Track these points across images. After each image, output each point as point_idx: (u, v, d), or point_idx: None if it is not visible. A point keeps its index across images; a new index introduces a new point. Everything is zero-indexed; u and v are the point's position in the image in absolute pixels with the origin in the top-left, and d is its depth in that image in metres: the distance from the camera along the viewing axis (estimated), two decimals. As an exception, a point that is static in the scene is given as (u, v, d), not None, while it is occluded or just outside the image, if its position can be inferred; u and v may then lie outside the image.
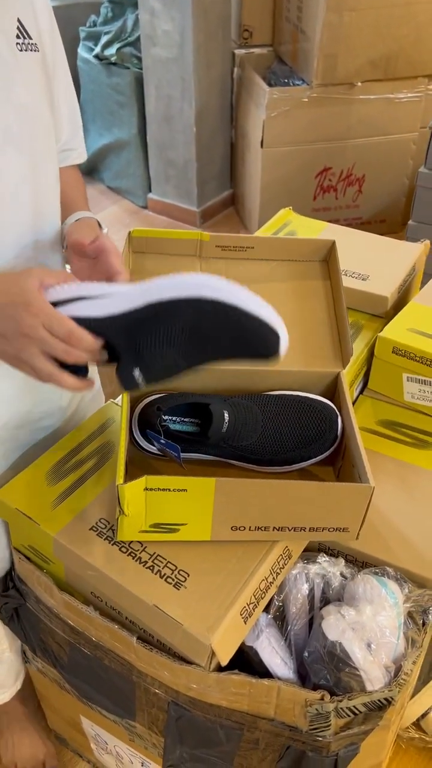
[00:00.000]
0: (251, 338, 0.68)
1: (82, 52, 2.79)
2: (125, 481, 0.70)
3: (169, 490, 0.72)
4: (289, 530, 0.76)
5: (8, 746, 1.17)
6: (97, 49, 2.69)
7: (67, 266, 0.85)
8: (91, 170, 3.07)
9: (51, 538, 0.78)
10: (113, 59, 2.64)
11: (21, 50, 0.74)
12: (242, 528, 0.76)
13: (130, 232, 0.90)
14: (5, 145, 0.73)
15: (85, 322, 0.66)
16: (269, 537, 0.77)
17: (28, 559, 0.84)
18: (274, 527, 0.76)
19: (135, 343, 0.67)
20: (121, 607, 0.76)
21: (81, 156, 0.95)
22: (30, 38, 0.76)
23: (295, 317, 0.88)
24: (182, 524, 0.76)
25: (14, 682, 1.09)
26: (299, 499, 0.74)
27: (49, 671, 0.95)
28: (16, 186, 0.76)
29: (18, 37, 0.74)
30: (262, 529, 0.76)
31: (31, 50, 0.75)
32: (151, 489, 0.72)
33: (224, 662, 0.72)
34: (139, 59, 2.56)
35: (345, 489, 0.74)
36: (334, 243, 0.92)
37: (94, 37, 2.74)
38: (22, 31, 0.75)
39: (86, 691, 0.90)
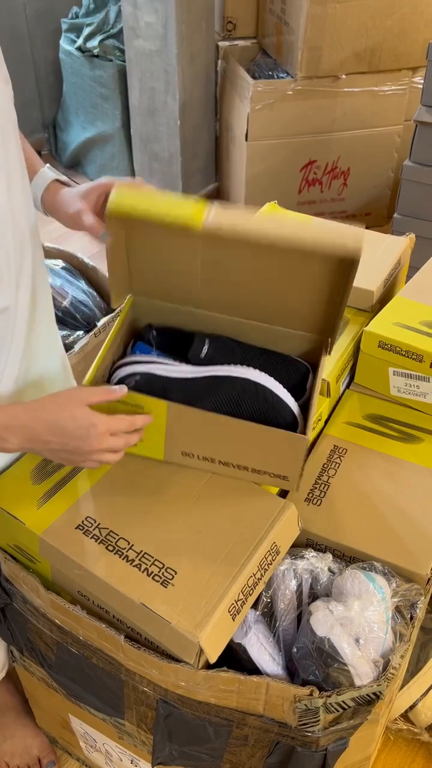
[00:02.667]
0: (274, 415, 0.80)
1: (64, 44, 2.75)
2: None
3: (127, 404, 0.78)
4: (233, 467, 0.83)
5: None
6: (80, 42, 2.66)
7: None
8: (74, 164, 3.04)
9: (37, 537, 0.77)
10: (96, 51, 2.61)
11: None
12: (191, 455, 0.83)
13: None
14: None
15: (159, 380, 0.82)
16: (215, 469, 0.84)
17: (14, 558, 0.83)
18: (220, 461, 0.83)
19: (189, 403, 0.80)
20: (108, 606, 0.76)
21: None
22: None
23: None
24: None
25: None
26: (241, 438, 0.80)
27: (36, 671, 0.95)
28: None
29: None
30: (209, 460, 0.83)
31: None
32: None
33: (213, 659, 0.72)
34: (122, 51, 2.53)
35: (281, 435, 0.78)
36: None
37: (77, 29, 2.71)
38: None
39: (74, 690, 0.89)
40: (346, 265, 0.79)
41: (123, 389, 0.78)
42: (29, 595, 0.83)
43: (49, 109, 3.08)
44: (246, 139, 2.31)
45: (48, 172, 0.85)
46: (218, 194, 2.85)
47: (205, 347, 0.86)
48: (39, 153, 3.26)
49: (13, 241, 0.75)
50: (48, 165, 0.85)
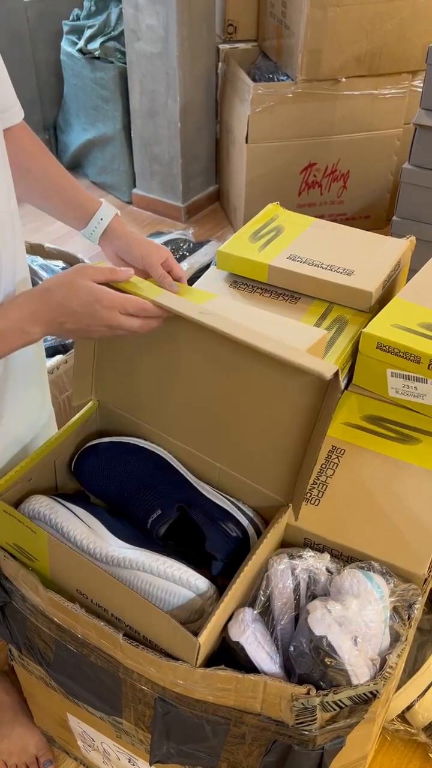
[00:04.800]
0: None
1: (65, 46, 2.76)
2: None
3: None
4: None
5: None
6: (81, 44, 2.67)
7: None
8: (75, 165, 3.05)
9: (45, 535, 0.77)
10: (97, 53, 2.62)
11: None
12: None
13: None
14: None
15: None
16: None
17: (13, 557, 0.84)
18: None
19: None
20: (107, 604, 0.76)
21: (21, 111, 0.89)
22: None
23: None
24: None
25: None
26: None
27: (35, 669, 0.95)
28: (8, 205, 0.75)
29: None
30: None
31: None
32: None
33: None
34: (123, 54, 2.54)
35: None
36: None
37: (78, 31, 2.72)
38: None
39: (72, 689, 0.90)
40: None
41: (129, 272, 0.78)
42: (28, 594, 0.83)
43: (50, 110, 3.09)
44: (246, 142, 2.32)
45: (111, 209, 0.94)
46: (218, 196, 2.86)
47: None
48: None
49: None
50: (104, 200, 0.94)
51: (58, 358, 1.35)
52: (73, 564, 0.78)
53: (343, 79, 2.27)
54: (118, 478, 0.89)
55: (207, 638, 0.71)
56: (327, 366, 0.71)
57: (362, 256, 1.10)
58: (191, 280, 2.21)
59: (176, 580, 0.76)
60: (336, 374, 0.70)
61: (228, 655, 0.77)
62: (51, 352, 1.40)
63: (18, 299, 0.76)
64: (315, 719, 0.73)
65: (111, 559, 0.79)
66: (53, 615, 0.81)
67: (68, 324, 0.75)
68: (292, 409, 0.77)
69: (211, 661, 0.74)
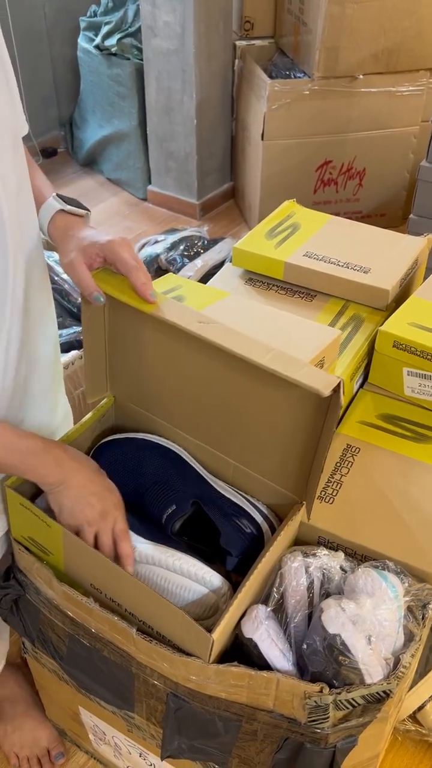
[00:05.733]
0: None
1: (82, 42, 2.77)
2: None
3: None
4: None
5: (7, 732, 1.17)
6: (98, 40, 2.67)
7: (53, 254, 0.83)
8: (90, 162, 3.05)
9: (60, 529, 0.77)
10: (114, 50, 2.62)
11: None
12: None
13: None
14: None
15: None
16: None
17: (27, 550, 0.84)
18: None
19: None
20: (121, 599, 0.76)
21: (25, 126, 0.80)
22: None
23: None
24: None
25: None
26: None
27: (48, 662, 0.96)
28: (8, 212, 0.70)
29: None
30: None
31: None
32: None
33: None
34: (140, 50, 2.54)
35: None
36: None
37: (95, 28, 2.72)
38: None
39: (85, 683, 0.90)
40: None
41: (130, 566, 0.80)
42: (42, 587, 0.84)
43: (67, 107, 3.10)
44: (262, 139, 2.31)
45: (53, 203, 0.81)
46: (233, 193, 2.86)
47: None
48: (55, 151, 3.27)
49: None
50: (54, 194, 0.82)
51: (74, 353, 1.36)
52: (87, 558, 0.78)
53: (361, 76, 2.26)
54: (134, 474, 0.89)
55: (220, 634, 0.71)
56: (326, 380, 0.68)
57: (379, 254, 1.10)
58: (206, 278, 2.21)
59: (190, 575, 0.76)
60: (336, 388, 0.68)
61: (241, 651, 0.77)
62: (66, 348, 1.41)
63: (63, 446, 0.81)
64: (327, 717, 0.73)
65: None
66: (67, 609, 0.82)
67: (85, 490, 0.79)
68: (294, 417, 0.76)
69: (224, 657, 0.74)
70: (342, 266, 1.07)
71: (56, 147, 3.18)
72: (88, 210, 0.84)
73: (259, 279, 1.13)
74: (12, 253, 0.73)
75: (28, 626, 0.91)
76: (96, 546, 0.79)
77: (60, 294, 1.64)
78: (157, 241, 2.39)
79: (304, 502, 0.83)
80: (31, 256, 0.80)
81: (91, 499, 0.78)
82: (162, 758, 0.86)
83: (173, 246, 2.32)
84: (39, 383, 0.89)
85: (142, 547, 0.80)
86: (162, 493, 0.87)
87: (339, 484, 0.89)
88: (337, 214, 1.24)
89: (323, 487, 0.89)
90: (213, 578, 0.76)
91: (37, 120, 2.98)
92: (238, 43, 2.53)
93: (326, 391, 0.67)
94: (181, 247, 2.31)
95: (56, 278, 1.63)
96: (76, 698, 0.98)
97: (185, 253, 2.28)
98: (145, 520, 0.87)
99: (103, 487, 0.81)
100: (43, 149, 3.10)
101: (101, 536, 0.79)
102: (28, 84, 2.76)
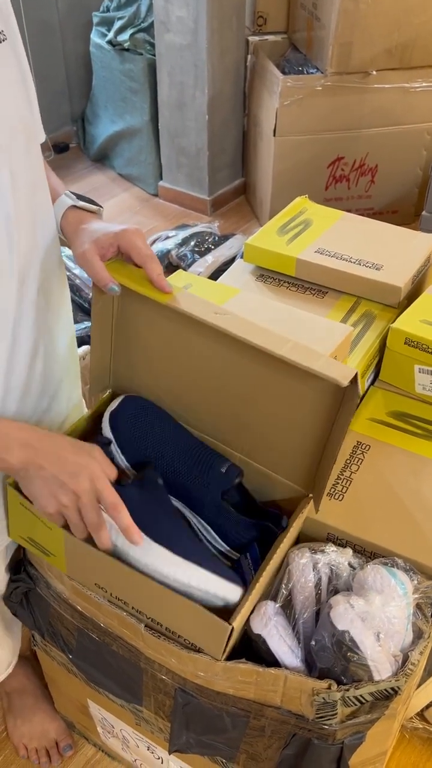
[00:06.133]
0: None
1: (94, 37, 2.77)
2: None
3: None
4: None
5: (16, 724, 1.18)
6: (110, 35, 2.67)
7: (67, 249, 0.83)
8: (102, 157, 3.06)
9: (61, 532, 0.76)
10: (126, 45, 2.62)
11: None
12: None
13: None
14: (1, 166, 0.66)
15: None
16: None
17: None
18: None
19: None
20: (128, 598, 0.76)
21: (42, 134, 0.79)
22: None
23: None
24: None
25: (5, 669, 1.09)
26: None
27: (57, 655, 0.96)
28: (16, 209, 0.69)
29: None
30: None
31: (1, 41, 0.63)
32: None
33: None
34: (153, 45, 2.54)
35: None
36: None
37: (107, 23, 2.72)
38: None
39: (94, 676, 0.91)
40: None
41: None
42: (52, 581, 0.84)
43: (79, 102, 3.10)
44: (274, 135, 2.31)
45: (65, 200, 0.81)
46: (244, 189, 2.85)
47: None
48: (67, 146, 3.27)
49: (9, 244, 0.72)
50: (67, 191, 0.82)
51: (85, 348, 1.36)
52: (90, 559, 0.76)
53: (374, 72, 2.24)
54: (162, 431, 0.85)
55: (239, 624, 0.71)
56: (344, 371, 0.68)
57: (391, 251, 1.09)
58: (216, 274, 2.20)
59: (207, 593, 0.72)
60: (354, 379, 0.68)
61: (249, 647, 0.77)
62: (77, 343, 1.41)
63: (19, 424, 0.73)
64: (335, 714, 0.73)
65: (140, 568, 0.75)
66: (76, 603, 0.82)
67: (45, 472, 0.69)
68: (310, 409, 0.76)
69: (232, 653, 0.75)
70: (354, 263, 1.07)
71: (68, 142, 3.19)
72: (100, 206, 0.84)
73: (270, 275, 1.13)
74: (20, 252, 0.73)
75: (38, 619, 0.91)
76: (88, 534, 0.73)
77: (72, 289, 1.64)
78: (168, 237, 2.39)
79: (311, 496, 0.83)
80: (48, 253, 0.80)
81: (63, 477, 0.69)
82: (170, 752, 0.87)
83: (184, 242, 2.32)
84: (55, 376, 0.89)
85: (157, 561, 0.74)
86: (204, 453, 0.83)
87: (349, 481, 0.89)
88: (348, 211, 1.24)
89: (333, 484, 0.89)
90: (229, 594, 0.73)
91: (49, 115, 2.99)
92: (250, 38, 2.52)
93: (345, 381, 0.68)
94: (192, 243, 2.31)
95: (68, 273, 1.64)
96: (85, 691, 0.99)
97: (196, 249, 2.28)
98: (164, 488, 0.81)
99: (78, 464, 0.70)
100: (54, 144, 3.10)
101: (85, 515, 0.70)
102: (40, 79, 2.76)
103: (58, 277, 0.85)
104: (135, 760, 1.08)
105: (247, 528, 0.84)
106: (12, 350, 0.78)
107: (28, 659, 1.22)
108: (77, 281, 1.64)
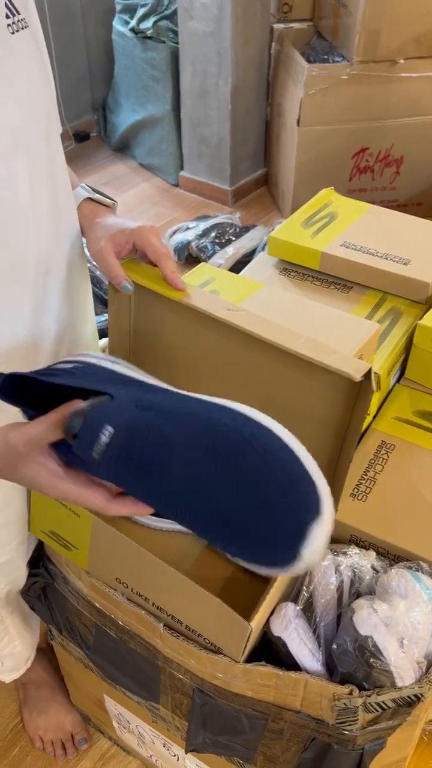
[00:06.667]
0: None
1: (117, 25, 2.74)
2: None
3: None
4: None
5: (32, 716, 1.18)
6: (133, 23, 2.65)
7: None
8: (123, 147, 3.04)
9: (90, 518, 0.76)
10: (149, 33, 2.59)
11: (13, 32, 0.60)
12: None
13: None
14: (17, 149, 0.63)
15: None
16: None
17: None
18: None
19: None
20: (149, 593, 0.75)
21: (59, 126, 0.76)
22: (18, 13, 0.61)
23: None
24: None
25: (24, 664, 1.09)
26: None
27: (74, 650, 0.96)
28: (33, 196, 0.67)
29: (7, 16, 0.60)
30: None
31: (22, 28, 0.62)
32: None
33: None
34: (176, 33, 2.51)
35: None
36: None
37: (130, 10, 2.69)
38: (11, 7, 0.60)
39: (111, 673, 0.90)
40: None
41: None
42: (71, 577, 0.83)
43: (100, 90, 3.08)
44: (298, 125, 2.27)
45: (81, 191, 0.80)
46: (266, 180, 2.82)
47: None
48: (88, 135, 3.25)
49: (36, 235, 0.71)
50: (82, 184, 0.82)
51: (105, 340, 1.35)
52: (115, 549, 0.76)
53: (401, 61, 2.20)
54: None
55: (258, 624, 0.70)
56: (357, 365, 0.67)
57: (419, 245, 1.07)
58: (237, 266, 2.18)
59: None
60: (367, 374, 0.67)
61: (268, 649, 0.76)
62: (99, 335, 1.40)
63: None
64: (356, 720, 0.72)
65: None
66: (94, 600, 0.81)
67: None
68: (325, 406, 0.75)
69: (251, 656, 0.73)
70: (381, 257, 1.04)
71: (89, 131, 3.17)
72: (115, 201, 0.83)
73: (294, 269, 1.10)
74: (43, 242, 0.72)
75: (56, 615, 0.91)
76: None
77: (92, 281, 1.63)
78: (188, 228, 2.37)
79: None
80: (72, 245, 0.79)
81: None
82: (186, 751, 0.86)
83: (204, 233, 2.30)
84: None
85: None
86: None
87: (373, 482, 0.87)
88: (372, 203, 1.21)
89: (356, 485, 0.87)
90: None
91: (70, 104, 2.97)
92: (275, 26, 2.48)
93: (358, 376, 0.67)
94: (213, 234, 2.28)
95: (88, 265, 1.62)
96: (101, 686, 0.98)
97: (216, 241, 2.26)
98: None
99: (29, 479, 0.58)
100: (75, 133, 3.09)
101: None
102: (62, 67, 2.74)
103: (81, 269, 0.84)
104: (150, 756, 1.07)
105: None
106: (36, 345, 0.77)
107: (45, 651, 1.22)
108: (97, 272, 1.63)
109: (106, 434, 0.52)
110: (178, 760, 0.99)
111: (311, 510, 0.52)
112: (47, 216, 0.72)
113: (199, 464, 0.52)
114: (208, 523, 0.53)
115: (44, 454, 0.57)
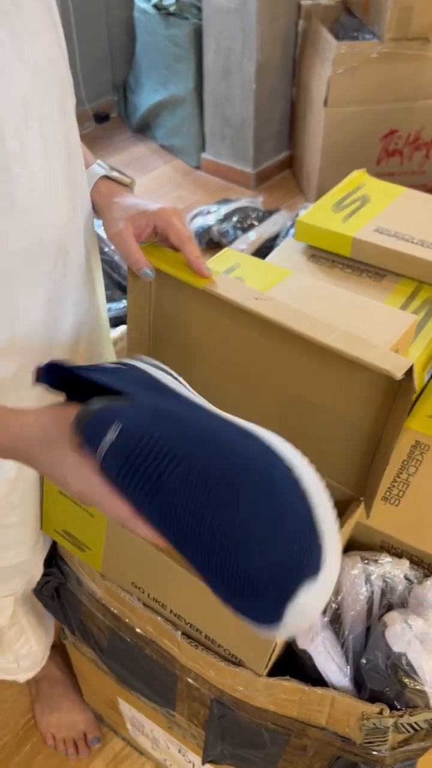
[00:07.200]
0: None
1: (139, 2, 2.66)
2: None
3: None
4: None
5: (44, 713, 1.15)
6: (156, -1, 2.57)
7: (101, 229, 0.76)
8: (143, 128, 2.97)
9: (105, 519, 0.72)
10: (172, 9, 2.52)
11: None
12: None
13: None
14: (29, 121, 0.58)
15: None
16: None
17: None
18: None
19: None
20: (166, 600, 0.71)
21: (73, 97, 0.69)
22: None
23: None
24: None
25: (39, 663, 1.06)
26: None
27: (86, 651, 0.92)
28: (49, 173, 0.62)
29: None
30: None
31: None
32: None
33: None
34: (199, 9, 2.43)
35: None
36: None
37: (153, -14, 2.62)
38: None
39: (125, 677, 0.86)
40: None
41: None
42: (84, 578, 0.79)
43: (121, 70, 3.01)
44: (325, 105, 2.19)
45: (97, 169, 0.75)
46: (290, 163, 2.74)
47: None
48: (107, 116, 3.18)
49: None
50: (98, 161, 0.76)
51: (122, 328, 1.30)
52: (132, 552, 0.72)
53: (434, 38, 2.11)
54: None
55: (282, 639, 0.65)
56: (398, 362, 0.61)
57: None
58: (259, 251, 2.12)
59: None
60: (409, 372, 0.61)
61: (292, 661, 0.71)
62: (114, 322, 1.35)
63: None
64: (386, 740, 0.67)
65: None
66: (109, 603, 0.77)
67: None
68: (360, 404, 0.69)
69: (273, 666, 0.69)
70: (416, 244, 0.98)
71: (109, 112, 3.11)
72: (133, 179, 0.77)
73: (323, 255, 1.05)
74: (59, 225, 0.66)
75: (69, 615, 0.87)
76: None
77: (110, 266, 1.58)
78: (209, 212, 2.31)
79: (362, 499, 0.76)
80: (87, 228, 0.74)
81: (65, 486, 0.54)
82: (203, 762, 0.82)
83: (226, 217, 2.23)
84: (97, 361, 0.83)
85: None
86: None
87: (406, 485, 0.82)
88: (404, 187, 1.14)
89: (388, 488, 0.82)
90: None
91: (90, 84, 2.90)
92: (302, 2, 2.39)
93: (399, 374, 0.61)
94: (235, 219, 2.22)
95: (106, 249, 1.57)
96: (115, 689, 0.94)
97: (238, 225, 2.20)
98: None
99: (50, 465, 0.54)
100: (95, 114, 3.03)
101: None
102: (82, 45, 2.67)
103: (95, 253, 0.79)
104: (165, 760, 1.04)
105: None
106: (54, 334, 0.72)
107: (58, 648, 1.18)
108: (116, 257, 1.58)
109: (112, 433, 0.49)
110: (193, 766, 0.96)
111: (308, 565, 0.46)
112: (64, 195, 0.66)
113: (200, 490, 0.48)
114: (197, 552, 0.48)
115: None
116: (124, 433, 0.49)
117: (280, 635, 0.47)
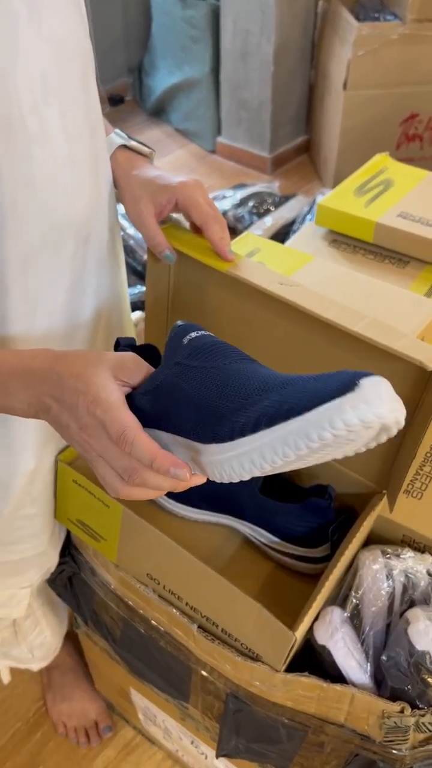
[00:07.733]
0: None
1: (155, -19, 2.62)
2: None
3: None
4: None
5: (56, 701, 1.14)
6: (172, -22, 2.53)
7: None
8: (158, 111, 2.93)
9: (120, 509, 0.70)
10: (189, -11, 2.47)
11: None
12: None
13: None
14: (48, 97, 0.54)
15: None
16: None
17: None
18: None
19: None
20: (183, 592, 0.69)
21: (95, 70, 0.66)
22: None
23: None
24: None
25: (53, 653, 1.05)
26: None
27: (99, 641, 0.91)
28: (70, 152, 0.59)
29: None
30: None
31: None
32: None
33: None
34: (217, -11, 2.39)
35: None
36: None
37: (170, -35, 2.57)
38: None
39: (138, 668, 0.85)
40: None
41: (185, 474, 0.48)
42: (98, 568, 0.78)
43: (136, 51, 2.96)
44: (344, 88, 2.15)
45: (115, 138, 0.71)
46: (307, 147, 2.70)
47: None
48: (122, 98, 3.15)
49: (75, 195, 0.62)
50: (116, 130, 0.73)
51: (138, 313, 1.28)
52: (147, 542, 0.71)
53: (458, 20, 2.05)
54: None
55: (302, 633, 0.63)
56: (429, 353, 0.60)
57: None
58: (276, 237, 2.08)
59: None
60: None
61: (309, 656, 0.69)
62: (132, 308, 1.33)
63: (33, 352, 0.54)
64: (407, 739, 0.65)
65: None
66: (123, 594, 0.76)
67: (53, 411, 0.51)
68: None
69: (291, 661, 0.67)
70: (441, 230, 0.95)
71: (123, 95, 3.07)
72: (153, 150, 0.75)
73: (344, 241, 1.02)
74: (81, 205, 0.63)
75: (82, 605, 0.86)
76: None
77: (125, 251, 1.56)
78: (224, 197, 2.27)
79: (385, 492, 0.74)
80: (110, 209, 0.71)
81: (64, 416, 0.51)
82: (217, 756, 0.81)
83: (242, 202, 2.20)
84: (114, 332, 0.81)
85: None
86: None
87: (429, 477, 0.79)
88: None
89: (410, 481, 0.79)
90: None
91: (105, 66, 2.87)
92: (322, -19, 2.34)
93: (431, 365, 0.58)
94: (250, 204, 2.19)
95: (121, 233, 1.55)
96: (128, 679, 0.93)
97: (254, 211, 2.16)
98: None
99: (76, 391, 0.50)
100: (110, 97, 2.99)
101: (107, 460, 0.50)
102: (97, 27, 2.63)
103: (118, 232, 0.76)
104: (176, 750, 1.03)
105: (300, 514, 0.75)
106: (75, 321, 0.69)
107: (70, 636, 1.18)
108: (131, 242, 1.56)
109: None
110: (206, 758, 0.95)
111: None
112: (86, 176, 0.63)
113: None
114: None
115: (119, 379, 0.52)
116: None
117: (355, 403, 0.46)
